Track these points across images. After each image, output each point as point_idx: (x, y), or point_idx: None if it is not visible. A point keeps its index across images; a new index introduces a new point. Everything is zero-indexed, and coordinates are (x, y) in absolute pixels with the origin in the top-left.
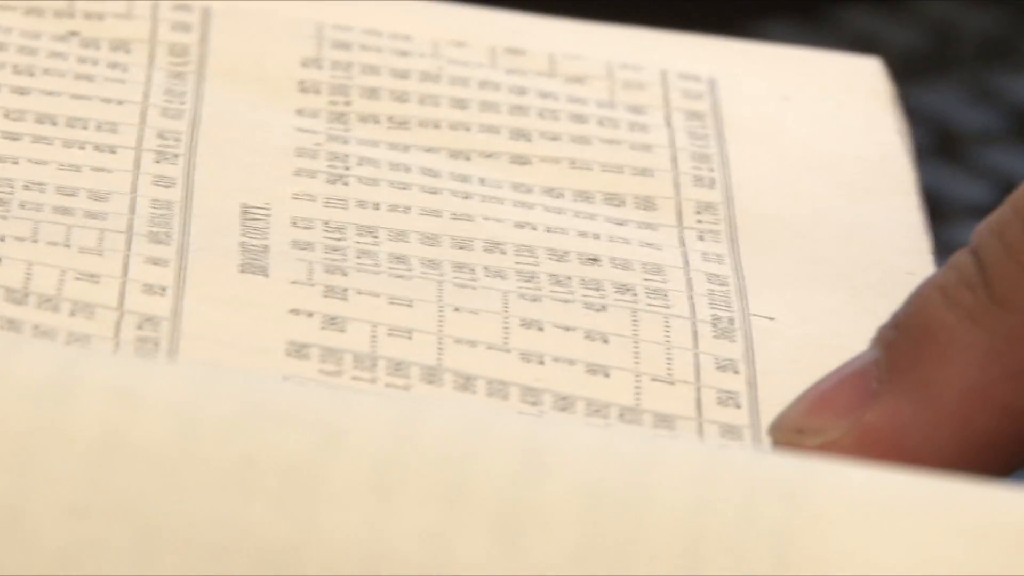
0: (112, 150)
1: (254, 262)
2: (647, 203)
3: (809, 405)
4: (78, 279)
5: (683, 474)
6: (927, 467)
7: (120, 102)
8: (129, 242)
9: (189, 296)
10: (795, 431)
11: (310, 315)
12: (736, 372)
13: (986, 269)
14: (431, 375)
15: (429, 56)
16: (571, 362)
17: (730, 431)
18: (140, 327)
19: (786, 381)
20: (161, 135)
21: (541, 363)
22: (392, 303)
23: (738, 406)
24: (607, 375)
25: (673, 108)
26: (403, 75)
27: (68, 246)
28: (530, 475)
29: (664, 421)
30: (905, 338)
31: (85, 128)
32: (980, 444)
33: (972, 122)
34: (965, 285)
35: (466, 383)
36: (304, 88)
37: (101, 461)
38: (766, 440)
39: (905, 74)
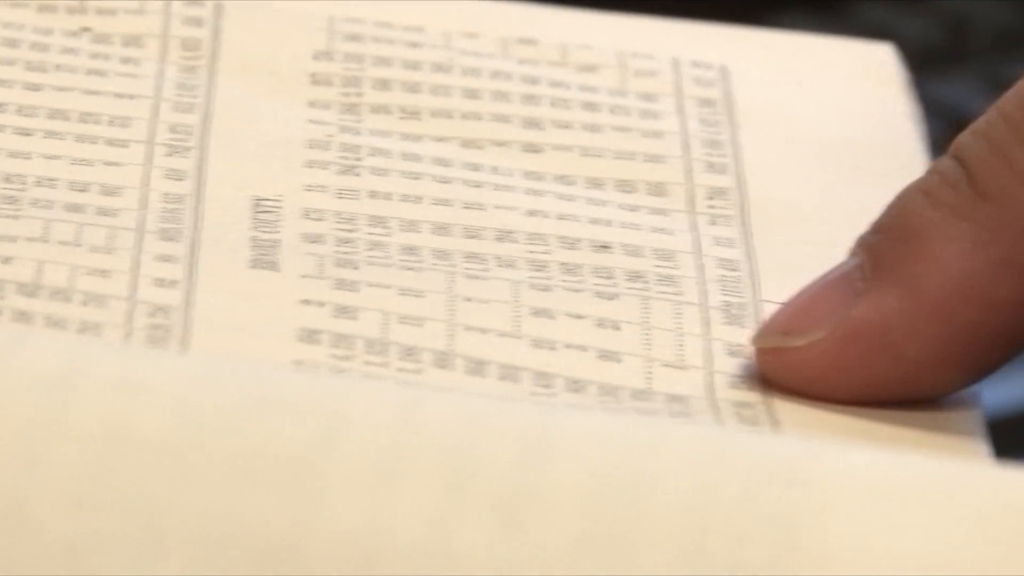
0: (124, 144)
1: (264, 257)
2: (659, 189)
3: (795, 308)
4: (89, 275)
5: (686, 458)
6: (912, 360)
7: (132, 97)
8: (140, 240)
9: (200, 289)
10: (781, 334)
11: (321, 304)
12: (747, 358)
13: (970, 167)
14: (443, 360)
15: (441, 47)
16: (583, 348)
17: (743, 406)
18: (152, 315)
19: None
20: (173, 129)
21: (552, 349)
22: (403, 294)
23: (749, 389)
24: (619, 361)
25: (685, 96)
26: (415, 66)
27: (79, 245)
28: (532, 461)
29: (677, 400)
30: (888, 238)
31: (97, 123)
32: (964, 337)
33: None
34: (948, 184)
35: (478, 367)
36: (316, 80)
37: (104, 452)
38: (778, 415)
39: (920, 66)
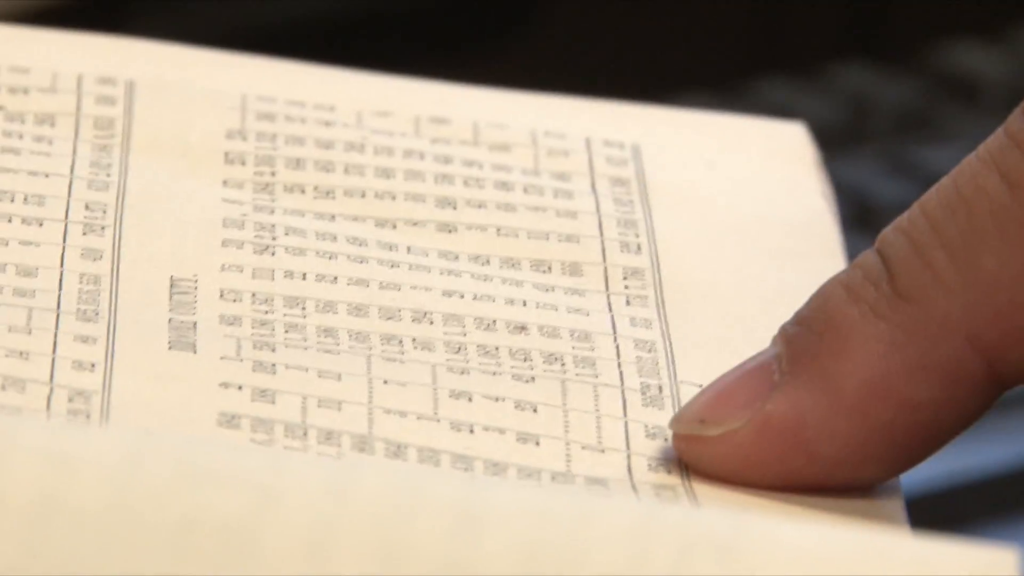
0: (39, 223)
1: (182, 339)
2: (574, 269)
3: (711, 397)
4: (7, 356)
5: (618, 530)
6: (828, 457)
7: (47, 175)
8: (58, 320)
9: (119, 372)
10: (697, 422)
11: (240, 388)
12: (666, 440)
13: (891, 265)
14: (362, 443)
15: (353, 126)
16: (501, 431)
17: (663, 488)
18: (71, 400)
19: None
20: (88, 207)
21: (471, 432)
22: (321, 376)
23: (668, 471)
24: (537, 443)
25: (598, 175)
26: (328, 145)
27: None
28: (465, 534)
29: (597, 483)
30: (807, 332)
31: (12, 201)
32: (879, 436)
33: (890, 194)
34: (870, 281)
35: (398, 450)
36: (230, 159)
37: (37, 526)
38: (699, 499)
39: (823, 146)
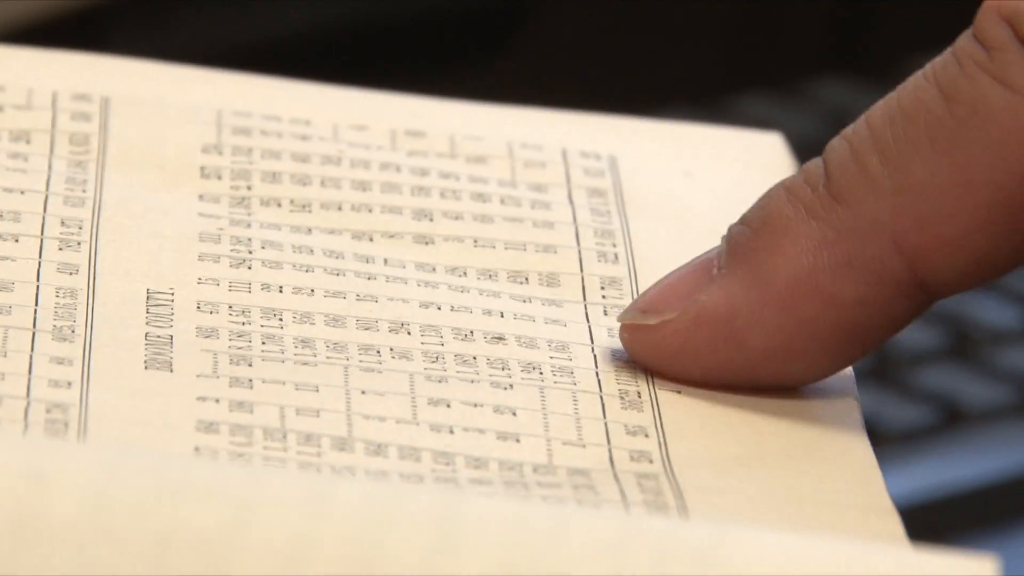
0: (15, 239)
1: (159, 356)
2: (551, 279)
3: (655, 291)
4: None
5: (596, 542)
6: (756, 348)
7: (22, 191)
8: (33, 340)
9: (95, 388)
10: (639, 312)
11: (217, 401)
12: (647, 436)
13: (830, 169)
14: (342, 444)
15: (329, 140)
16: (481, 431)
17: (645, 477)
18: (49, 411)
19: (697, 444)
20: (64, 223)
21: (451, 432)
22: (299, 389)
23: (650, 461)
24: (518, 440)
25: (574, 185)
26: (304, 159)
27: None
28: (443, 547)
29: (579, 473)
30: (746, 229)
31: None
32: (805, 331)
33: None
34: (809, 183)
35: (378, 449)
36: (205, 173)
37: (13, 543)
38: (681, 484)
39: (802, 159)
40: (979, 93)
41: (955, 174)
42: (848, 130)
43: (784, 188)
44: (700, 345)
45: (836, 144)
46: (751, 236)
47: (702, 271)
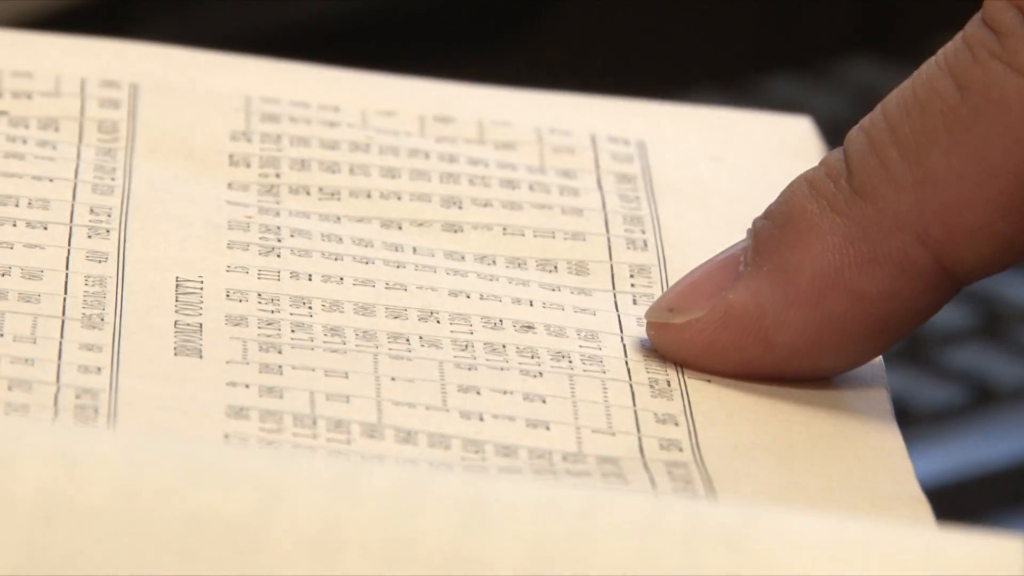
0: (44, 227)
1: (188, 344)
2: (580, 268)
3: (682, 288)
4: (13, 363)
5: (626, 524)
6: (784, 345)
7: (51, 179)
8: (63, 328)
9: (124, 375)
10: (666, 310)
11: (247, 386)
12: (676, 424)
13: (850, 163)
14: (371, 430)
15: (358, 126)
16: (511, 418)
17: (675, 465)
18: (78, 396)
19: (727, 432)
20: (93, 211)
21: (481, 419)
22: (328, 375)
23: (680, 449)
24: (547, 428)
25: (603, 171)
26: (332, 146)
27: (2, 335)
28: (473, 529)
29: (608, 461)
30: (771, 225)
31: (17, 206)
32: (832, 326)
33: None
34: (831, 177)
35: (407, 436)
36: (234, 161)
37: (43, 526)
38: (711, 472)
39: (833, 142)
40: (992, 81)
41: (974, 163)
42: (866, 121)
43: (806, 182)
44: (728, 343)
45: (855, 136)
46: (776, 232)
47: (728, 267)
